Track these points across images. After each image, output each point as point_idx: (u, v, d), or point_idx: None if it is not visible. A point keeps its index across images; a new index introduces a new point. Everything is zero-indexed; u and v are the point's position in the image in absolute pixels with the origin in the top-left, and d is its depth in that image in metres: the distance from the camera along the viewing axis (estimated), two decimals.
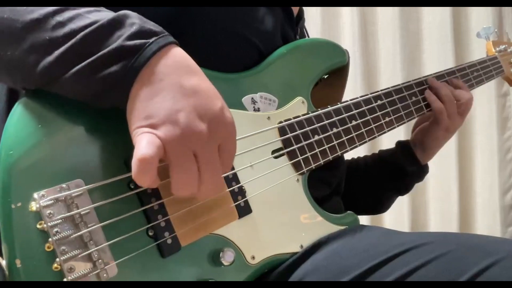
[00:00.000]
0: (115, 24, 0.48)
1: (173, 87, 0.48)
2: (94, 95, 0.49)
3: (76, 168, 0.49)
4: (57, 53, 0.47)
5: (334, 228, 0.67)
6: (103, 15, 0.49)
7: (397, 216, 1.89)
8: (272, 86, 0.69)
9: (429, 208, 1.96)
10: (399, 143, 0.93)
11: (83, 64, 0.47)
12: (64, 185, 0.47)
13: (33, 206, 0.45)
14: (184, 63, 0.50)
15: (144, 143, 0.45)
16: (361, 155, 1.00)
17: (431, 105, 0.87)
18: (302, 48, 0.75)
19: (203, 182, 0.49)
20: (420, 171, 0.91)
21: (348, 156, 0.91)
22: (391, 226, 1.89)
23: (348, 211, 0.72)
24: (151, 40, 0.48)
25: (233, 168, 0.60)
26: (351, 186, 0.88)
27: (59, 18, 0.48)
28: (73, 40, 0.47)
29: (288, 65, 0.72)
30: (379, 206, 0.97)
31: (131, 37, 0.48)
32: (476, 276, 0.49)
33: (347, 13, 1.92)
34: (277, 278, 0.60)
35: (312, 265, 0.60)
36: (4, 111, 0.60)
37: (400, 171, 0.91)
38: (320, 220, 0.67)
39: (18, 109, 0.49)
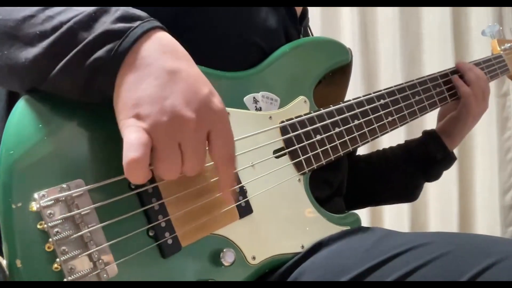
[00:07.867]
0: (101, 11, 0.48)
1: (160, 73, 0.47)
2: (84, 86, 0.48)
3: (77, 168, 0.48)
4: (44, 44, 0.47)
5: (335, 228, 0.67)
6: (93, 7, 0.49)
7: (397, 216, 1.89)
8: (274, 85, 0.68)
9: (429, 208, 1.96)
10: (426, 133, 0.95)
11: (70, 55, 0.47)
12: (64, 185, 0.47)
13: (34, 206, 0.45)
14: (171, 47, 0.50)
15: (132, 141, 0.45)
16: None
17: (458, 90, 0.91)
18: (304, 46, 0.74)
19: (185, 169, 0.49)
20: (450, 158, 0.94)
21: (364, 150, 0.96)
22: (391, 226, 1.89)
23: (350, 211, 0.72)
24: (135, 24, 0.48)
25: None
26: (384, 177, 0.93)
27: (49, 12, 0.48)
28: (60, 31, 0.47)
29: (290, 64, 0.71)
30: (411, 194, 0.99)
31: (116, 21, 0.47)
32: (477, 277, 0.49)
33: (347, 13, 1.92)
34: (278, 279, 0.60)
35: (311, 264, 0.60)
36: (4, 110, 0.60)
37: (430, 159, 0.93)
38: (321, 220, 0.67)
39: (18, 109, 0.48)
